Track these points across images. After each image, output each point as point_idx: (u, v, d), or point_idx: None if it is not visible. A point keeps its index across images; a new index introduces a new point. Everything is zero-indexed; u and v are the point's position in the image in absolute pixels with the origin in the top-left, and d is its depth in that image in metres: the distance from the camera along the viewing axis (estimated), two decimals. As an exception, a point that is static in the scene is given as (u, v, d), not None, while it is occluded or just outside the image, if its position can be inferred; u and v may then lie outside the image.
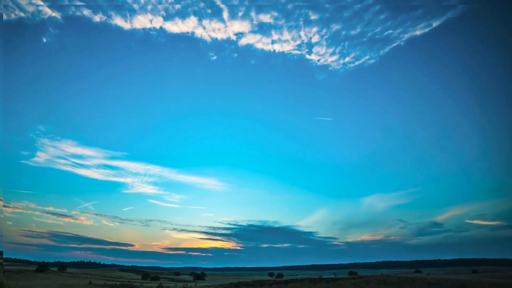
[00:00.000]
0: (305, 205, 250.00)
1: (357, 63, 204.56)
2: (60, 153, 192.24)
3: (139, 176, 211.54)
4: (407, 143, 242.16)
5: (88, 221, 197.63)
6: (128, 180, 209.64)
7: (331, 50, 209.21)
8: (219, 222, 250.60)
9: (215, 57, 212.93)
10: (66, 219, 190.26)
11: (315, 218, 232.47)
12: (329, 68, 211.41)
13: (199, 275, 73.98)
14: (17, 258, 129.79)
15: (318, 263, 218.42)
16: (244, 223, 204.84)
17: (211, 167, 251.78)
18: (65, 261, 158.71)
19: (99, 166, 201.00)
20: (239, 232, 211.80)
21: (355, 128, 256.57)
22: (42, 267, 55.79)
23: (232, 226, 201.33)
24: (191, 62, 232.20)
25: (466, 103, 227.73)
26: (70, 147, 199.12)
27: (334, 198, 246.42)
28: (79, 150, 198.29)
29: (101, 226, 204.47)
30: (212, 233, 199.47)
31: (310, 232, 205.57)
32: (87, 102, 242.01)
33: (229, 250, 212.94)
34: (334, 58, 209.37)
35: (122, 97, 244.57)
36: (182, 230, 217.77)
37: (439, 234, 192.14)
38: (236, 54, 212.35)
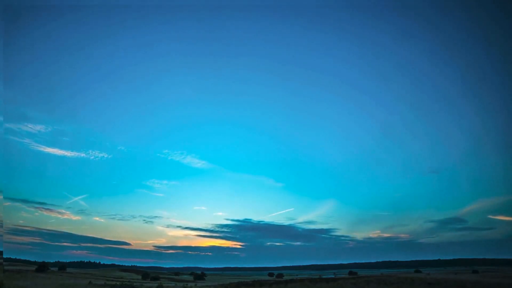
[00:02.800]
0: (308, 203, 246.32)
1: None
2: (25, 127, 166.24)
3: (121, 159, 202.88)
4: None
5: (76, 216, 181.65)
6: (112, 165, 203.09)
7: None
8: (222, 219, 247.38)
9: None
10: (53, 214, 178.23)
11: (320, 214, 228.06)
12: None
13: (199, 275, 74.01)
14: (7, 257, 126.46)
15: (319, 263, 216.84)
16: (245, 220, 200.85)
17: (204, 151, 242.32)
18: (62, 260, 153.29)
19: (72, 145, 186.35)
20: (238, 231, 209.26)
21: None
22: (42, 267, 55.73)
23: (230, 223, 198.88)
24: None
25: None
26: (33, 119, 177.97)
27: (342, 195, 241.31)
28: (45, 125, 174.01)
29: (93, 223, 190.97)
30: (210, 230, 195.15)
31: (312, 230, 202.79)
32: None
33: (228, 249, 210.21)
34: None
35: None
36: (178, 227, 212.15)
37: (459, 232, 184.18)
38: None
